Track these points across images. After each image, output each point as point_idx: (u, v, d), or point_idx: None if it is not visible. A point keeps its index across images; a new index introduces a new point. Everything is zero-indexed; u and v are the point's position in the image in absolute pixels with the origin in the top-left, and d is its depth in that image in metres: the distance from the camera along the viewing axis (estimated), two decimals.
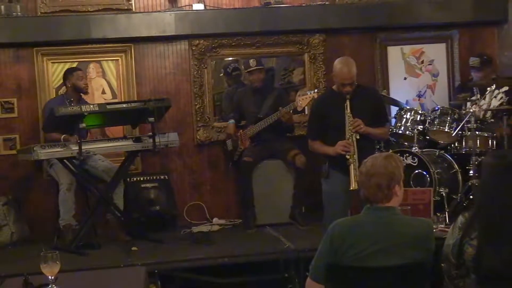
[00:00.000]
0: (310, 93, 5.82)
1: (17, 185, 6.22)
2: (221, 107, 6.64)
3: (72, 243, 5.34)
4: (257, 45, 6.56)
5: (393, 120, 6.19)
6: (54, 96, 6.18)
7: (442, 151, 6.01)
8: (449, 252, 2.91)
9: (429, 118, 6.06)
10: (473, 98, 5.92)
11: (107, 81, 6.42)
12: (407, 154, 5.75)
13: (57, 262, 2.96)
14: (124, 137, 5.62)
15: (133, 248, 5.33)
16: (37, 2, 6.22)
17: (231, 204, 6.56)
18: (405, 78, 6.91)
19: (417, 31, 6.86)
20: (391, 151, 5.68)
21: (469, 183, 5.70)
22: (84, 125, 5.22)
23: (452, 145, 5.99)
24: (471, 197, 5.67)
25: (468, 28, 6.89)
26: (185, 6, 6.42)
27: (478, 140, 5.75)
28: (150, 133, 5.46)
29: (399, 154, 5.61)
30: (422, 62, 6.92)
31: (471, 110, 5.79)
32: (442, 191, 5.58)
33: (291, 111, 5.96)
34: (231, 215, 6.46)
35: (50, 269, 2.95)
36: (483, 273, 2.76)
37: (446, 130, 5.96)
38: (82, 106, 5.33)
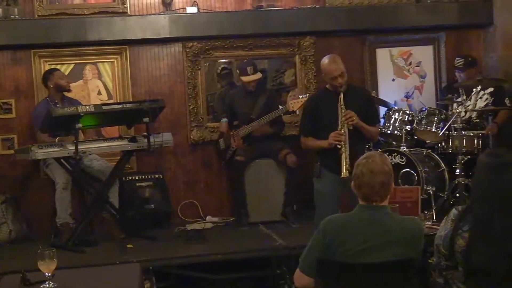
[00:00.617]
0: (302, 97, 5.81)
1: (16, 184, 6.25)
2: (214, 108, 6.67)
3: (69, 241, 5.39)
4: (249, 47, 6.59)
5: (382, 120, 6.21)
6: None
7: (430, 151, 6.08)
8: (440, 244, 2.90)
9: (417, 118, 6.14)
10: (459, 99, 5.98)
11: (103, 83, 6.45)
12: (396, 154, 5.81)
13: (54, 259, 3.00)
14: (120, 137, 5.63)
15: (129, 246, 5.38)
16: (35, 5, 6.23)
17: (224, 203, 6.59)
18: (393, 80, 6.94)
19: (405, 34, 6.89)
20: (380, 150, 5.77)
21: (456, 182, 5.77)
22: (80, 125, 5.23)
23: (439, 145, 6.07)
24: (457, 195, 5.75)
25: (454, 31, 6.92)
26: (179, 9, 6.45)
27: (464, 140, 5.82)
28: (145, 133, 5.50)
29: (387, 154, 5.69)
30: (410, 63, 6.95)
31: (457, 110, 5.87)
32: (429, 189, 5.68)
33: (282, 114, 6.04)
34: (224, 213, 6.49)
35: (47, 266, 2.99)
36: (471, 267, 2.77)
37: (433, 130, 6.04)
38: (78, 107, 5.34)
